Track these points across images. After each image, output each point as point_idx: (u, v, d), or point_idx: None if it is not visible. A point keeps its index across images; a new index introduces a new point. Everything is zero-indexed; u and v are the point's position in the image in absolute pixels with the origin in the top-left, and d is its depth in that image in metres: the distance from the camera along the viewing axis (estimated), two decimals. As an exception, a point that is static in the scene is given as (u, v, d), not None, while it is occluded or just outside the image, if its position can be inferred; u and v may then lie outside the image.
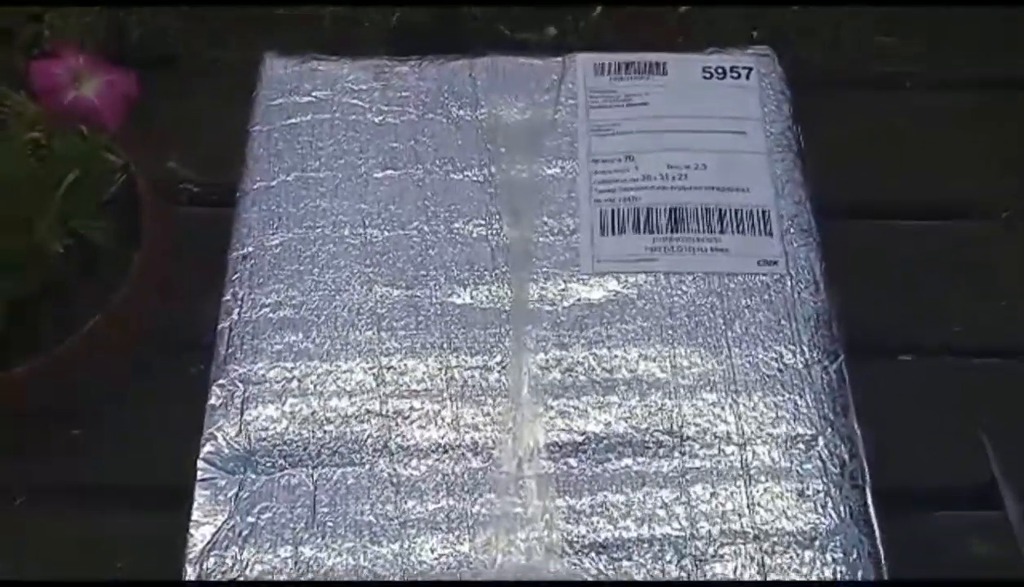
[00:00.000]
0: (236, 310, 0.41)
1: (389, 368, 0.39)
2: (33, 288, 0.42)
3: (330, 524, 0.36)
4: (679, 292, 0.41)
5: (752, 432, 0.38)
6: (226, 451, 0.38)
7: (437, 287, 0.41)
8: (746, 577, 0.35)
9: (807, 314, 0.40)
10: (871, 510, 0.37)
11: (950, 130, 0.52)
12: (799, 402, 0.38)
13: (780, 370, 0.39)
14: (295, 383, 0.39)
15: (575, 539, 0.36)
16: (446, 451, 0.38)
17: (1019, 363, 0.46)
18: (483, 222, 0.43)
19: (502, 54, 0.47)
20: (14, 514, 0.43)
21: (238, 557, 0.36)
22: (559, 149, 0.44)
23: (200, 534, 0.36)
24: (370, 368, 0.39)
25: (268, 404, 0.39)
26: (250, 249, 0.42)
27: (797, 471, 0.37)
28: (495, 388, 0.39)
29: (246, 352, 0.40)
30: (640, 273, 0.41)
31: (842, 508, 0.36)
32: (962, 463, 0.43)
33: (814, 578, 0.35)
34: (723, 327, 0.40)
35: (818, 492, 0.37)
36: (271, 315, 0.41)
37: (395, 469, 0.37)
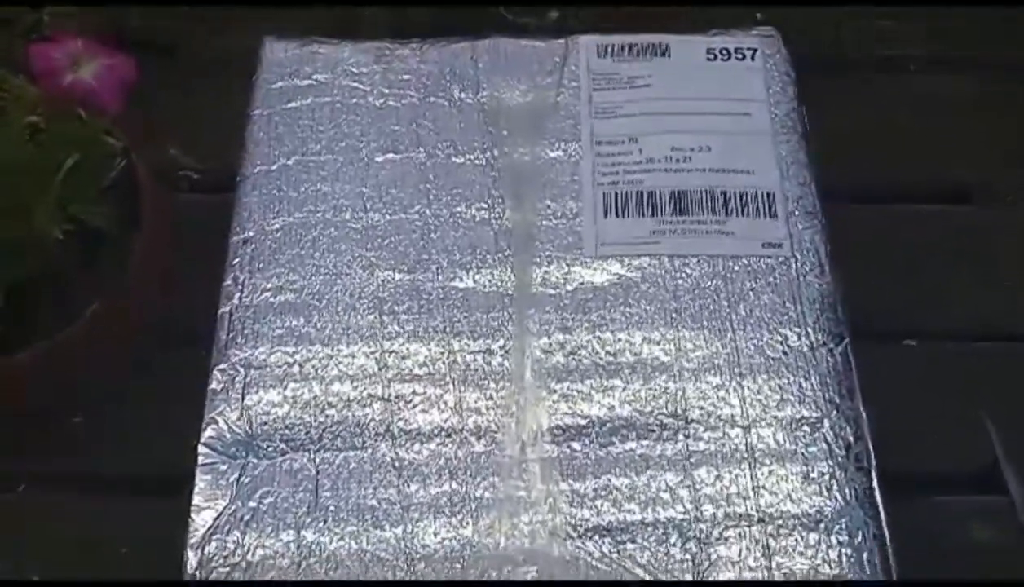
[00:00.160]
0: (237, 295, 0.41)
1: (391, 352, 0.39)
2: (32, 274, 0.42)
3: (332, 508, 0.36)
4: (683, 275, 0.41)
5: (757, 415, 0.38)
6: (227, 436, 0.38)
7: (439, 271, 0.41)
8: (750, 560, 0.35)
9: (812, 296, 0.40)
10: (876, 492, 0.36)
11: (953, 115, 0.52)
12: (804, 385, 0.38)
13: (785, 353, 0.39)
14: (296, 367, 0.39)
15: (579, 522, 0.36)
16: (449, 435, 0.38)
17: (1021, 347, 0.46)
18: (485, 205, 0.42)
19: (504, 36, 0.47)
20: (16, 502, 0.43)
21: (240, 542, 0.36)
22: (562, 132, 0.44)
23: (201, 519, 0.36)
24: (372, 352, 0.39)
25: (269, 389, 0.39)
26: (251, 233, 0.42)
27: (802, 454, 0.37)
28: (498, 372, 0.39)
29: (247, 337, 0.40)
30: (644, 256, 0.41)
31: (847, 490, 0.36)
32: (964, 448, 0.43)
33: (819, 561, 0.35)
34: (727, 310, 0.40)
35: (823, 474, 0.37)
36: (272, 299, 0.40)
37: (397, 453, 0.37)
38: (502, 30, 0.47)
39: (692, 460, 0.37)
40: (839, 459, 0.37)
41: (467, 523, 0.36)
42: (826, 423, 0.38)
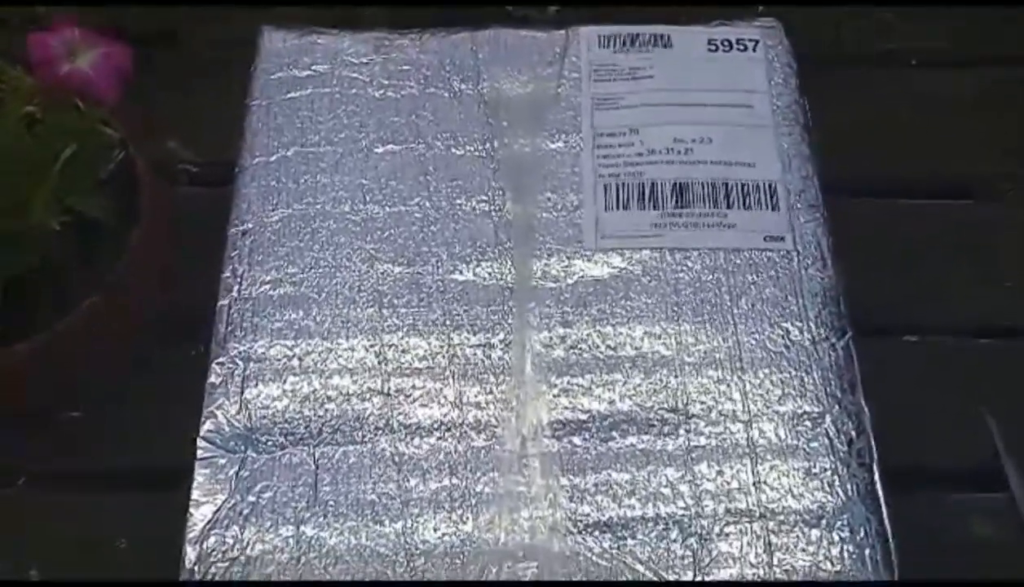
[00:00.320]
0: (236, 287, 0.40)
1: (391, 346, 0.39)
2: (29, 267, 0.41)
3: (332, 503, 0.36)
4: (684, 268, 0.40)
5: (758, 410, 0.37)
6: (226, 429, 0.37)
7: (439, 264, 0.41)
8: (752, 556, 0.35)
9: (814, 290, 0.40)
10: (878, 488, 0.36)
11: (954, 110, 0.52)
12: (806, 379, 0.38)
13: (787, 347, 0.39)
14: (296, 361, 0.39)
15: (579, 518, 0.36)
16: (449, 429, 0.37)
17: (1022, 343, 0.45)
18: (485, 198, 0.42)
19: (504, 27, 0.46)
20: (14, 496, 0.43)
21: (239, 536, 0.35)
22: (562, 123, 0.44)
23: (200, 513, 0.36)
24: (371, 346, 0.39)
25: (269, 382, 0.38)
26: (249, 225, 0.42)
27: (804, 449, 0.37)
28: (498, 366, 0.38)
29: (246, 330, 0.39)
30: (645, 249, 0.41)
31: (849, 486, 0.36)
32: (965, 444, 0.43)
33: (821, 557, 0.35)
34: (729, 304, 0.40)
35: (825, 470, 0.36)
36: (271, 292, 0.40)
37: (397, 447, 0.37)
38: (502, 22, 0.47)
39: (693, 455, 0.37)
40: (841, 454, 0.37)
41: (467, 518, 0.36)
42: (828, 418, 0.37)
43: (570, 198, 0.42)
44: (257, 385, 0.38)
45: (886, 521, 0.36)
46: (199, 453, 0.37)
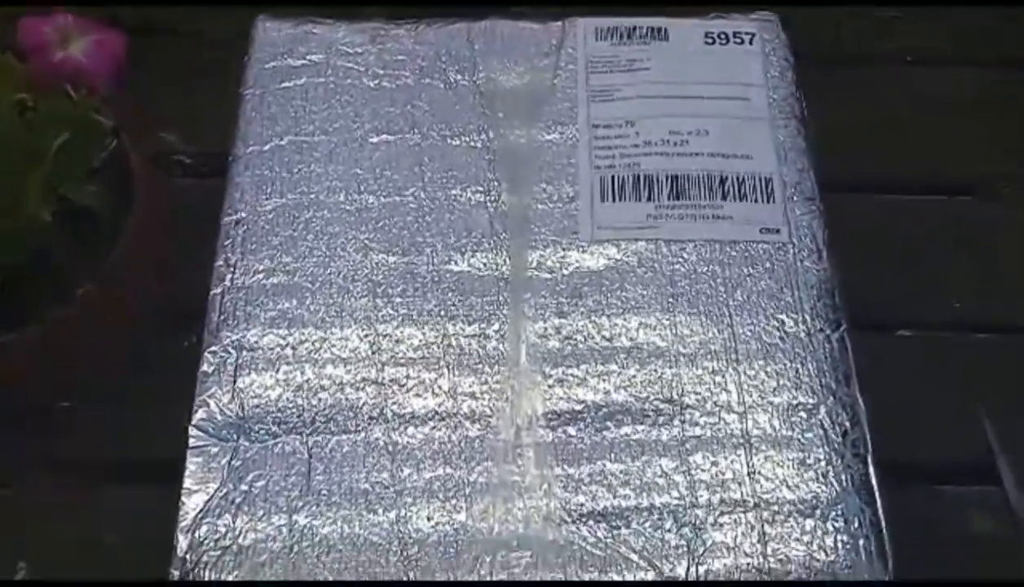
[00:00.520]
0: (229, 276, 0.40)
1: (385, 336, 0.39)
2: (23, 257, 0.41)
3: (325, 492, 0.36)
4: (680, 260, 0.40)
5: (753, 401, 0.37)
6: (219, 418, 0.37)
7: (434, 254, 0.41)
8: (746, 546, 0.35)
9: (810, 282, 0.40)
10: (873, 479, 0.36)
11: (953, 108, 0.52)
12: (801, 371, 0.38)
13: (782, 338, 0.39)
14: (289, 350, 0.39)
15: (573, 508, 0.36)
16: (443, 419, 0.37)
17: (1019, 339, 0.46)
18: (481, 188, 0.42)
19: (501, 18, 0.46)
20: (6, 487, 0.42)
21: (231, 525, 0.35)
22: (558, 115, 0.44)
23: (192, 502, 0.36)
24: (365, 335, 0.39)
25: (262, 371, 0.38)
26: (243, 214, 0.42)
27: (798, 440, 0.37)
28: (493, 356, 0.38)
29: (239, 318, 0.39)
30: (640, 241, 0.41)
31: (844, 477, 0.36)
32: (961, 439, 0.43)
33: (815, 547, 0.35)
34: (724, 295, 0.40)
35: (819, 461, 0.36)
36: (264, 281, 0.40)
37: (391, 437, 0.37)
38: (499, 13, 0.47)
39: (687, 446, 0.37)
40: (835, 445, 0.37)
41: (461, 508, 0.36)
42: (822, 409, 0.37)
43: (566, 189, 0.42)
44: (250, 374, 0.38)
45: (880, 512, 0.36)
46: (191, 442, 0.37)
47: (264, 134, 0.43)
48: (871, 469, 0.36)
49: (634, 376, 0.38)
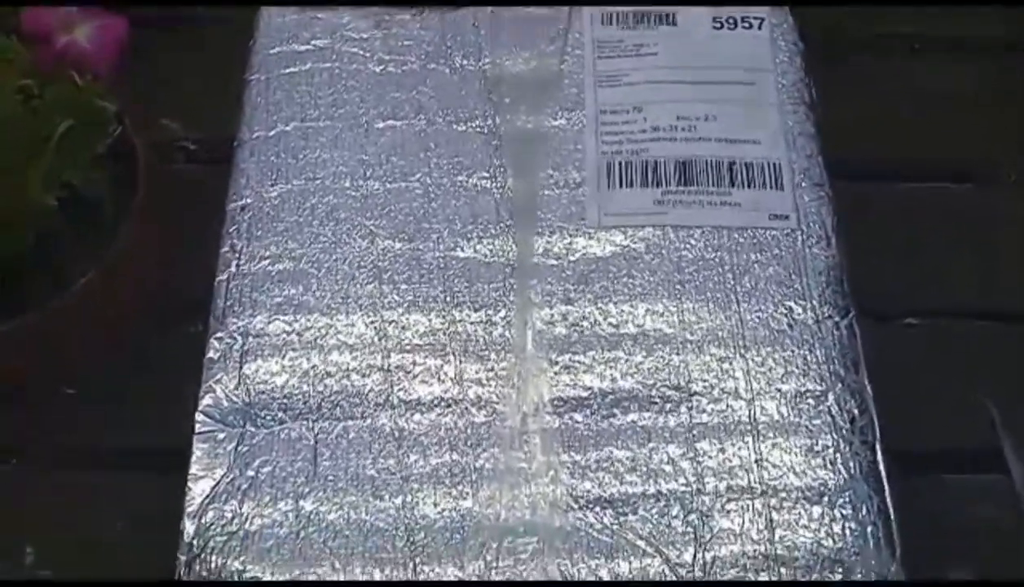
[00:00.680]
0: (234, 262, 0.40)
1: (391, 322, 0.39)
2: (26, 244, 0.41)
3: (331, 478, 0.36)
4: (687, 246, 0.40)
5: (761, 388, 0.37)
6: (225, 404, 0.37)
7: (440, 240, 0.40)
8: (753, 533, 0.35)
9: (818, 269, 0.40)
10: (881, 466, 0.36)
11: (957, 96, 0.51)
12: (809, 357, 0.38)
13: (790, 325, 0.38)
14: (295, 337, 0.38)
15: (580, 494, 0.35)
16: (449, 406, 0.37)
17: (1023, 327, 0.45)
18: (487, 174, 0.42)
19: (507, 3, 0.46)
20: (8, 475, 0.42)
21: (237, 511, 0.35)
22: (565, 100, 0.43)
23: (199, 488, 0.36)
24: (371, 322, 0.39)
25: (268, 358, 0.38)
26: (248, 200, 0.41)
27: (806, 426, 0.37)
28: (499, 343, 0.38)
29: (244, 305, 0.39)
30: (648, 227, 0.41)
31: (851, 464, 0.36)
32: (967, 427, 0.43)
33: (822, 534, 0.35)
34: (732, 282, 0.39)
35: (827, 448, 0.36)
36: (270, 268, 0.40)
37: (397, 423, 0.37)
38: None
39: (695, 432, 0.37)
40: (843, 432, 0.37)
41: (467, 494, 0.35)
42: (830, 396, 0.37)
43: (572, 175, 0.42)
44: (256, 360, 0.38)
45: (888, 499, 0.36)
46: (198, 428, 0.37)
47: (269, 120, 0.43)
48: (879, 456, 0.36)
49: (641, 363, 0.38)
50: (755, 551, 0.34)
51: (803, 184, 0.42)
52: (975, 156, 0.50)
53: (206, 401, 0.37)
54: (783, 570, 0.34)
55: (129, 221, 0.42)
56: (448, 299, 0.39)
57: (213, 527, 0.35)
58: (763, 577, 0.34)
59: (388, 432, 0.37)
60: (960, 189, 0.49)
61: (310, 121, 0.43)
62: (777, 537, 0.35)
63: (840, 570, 0.34)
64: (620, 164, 0.42)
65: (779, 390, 0.37)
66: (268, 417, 0.37)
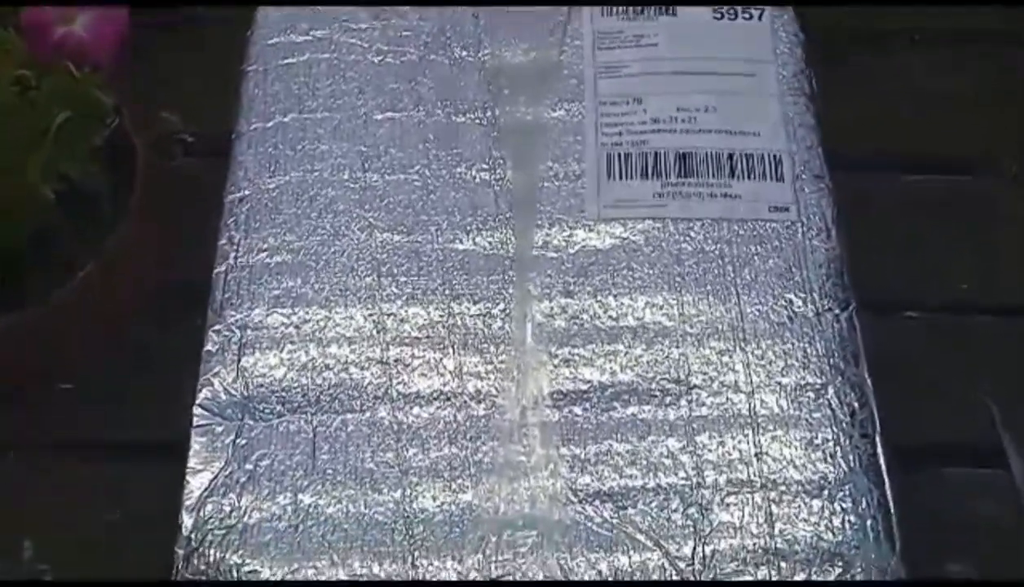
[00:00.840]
0: (232, 255, 0.40)
1: (390, 315, 0.39)
2: (24, 237, 0.41)
3: (330, 471, 0.36)
4: (687, 239, 0.40)
5: (761, 381, 0.37)
6: (223, 397, 0.37)
7: (439, 233, 0.40)
8: (752, 526, 0.35)
9: (818, 261, 0.39)
10: (881, 460, 0.36)
11: (956, 88, 0.51)
12: (809, 350, 0.38)
13: (790, 318, 0.38)
14: (293, 329, 0.38)
15: (580, 488, 0.35)
16: (448, 399, 0.37)
17: (1022, 321, 0.45)
18: (486, 166, 0.42)
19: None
20: (7, 469, 0.42)
21: (236, 504, 0.35)
22: (565, 91, 0.43)
23: (197, 481, 0.36)
24: (370, 315, 0.39)
25: (266, 350, 0.38)
26: (246, 192, 0.41)
27: (806, 420, 0.36)
28: (498, 336, 0.38)
29: (243, 297, 0.39)
30: (647, 219, 0.40)
31: (851, 457, 0.36)
32: (967, 421, 0.43)
33: (822, 527, 0.35)
34: (732, 274, 0.39)
35: (827, 441, 0.36)
36: (268, 260, 0.40)
37: (396, 416, 0.37)
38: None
39: (694, 426, 0.36)
40: (843, 425, 0.36)
41: (466, 488, 0.35)
42: (830, 389, 0.37)
43: (572, 167, 0.42)
44: (254, 353, 0.38)
45: (888, 492, 0.35)
46: (196, 421, 0.37)
47: (267, 111, 0.43)
48: (879, 450, 0.36)
49: (641, 356, 0.38)
50: (755, 545, 0.34)
51: (803, 176, 0.41)
52: (976, 150, 0.50)
53: (204, 394, 0.37)
54: (783, 564, 0.34)
55: (128, 214, 0.42)
56: (447, 292, 0.39)
57: (211, 520, 0.35)
58: (763, 571, 0.34)
59: (387, 425, 0.37)
60: (961, 182, 0.49)
61: (308, 112, 0.43)
62: (777, 530, 0.35)
63: (840, 563, 0.34)
64: (620, 156, 0.42)
65: (779, 383, 0.37)
66: (266, 410, 0.37)
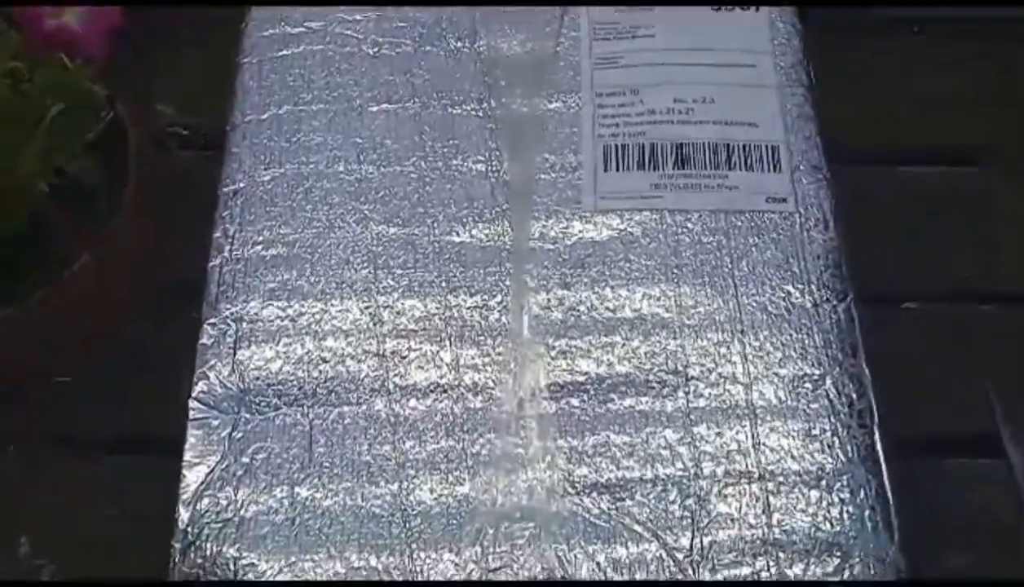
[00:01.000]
0: (227, 248, 0.40)
1: (386, 307, 0.38)
2: (18, 230, 0.41)
3: (327, 464, 0.36)
4: (684, 230, 0.40)
5: (758, 372, 0.37)
6: (219, 391, 0.37)
7: (435, 225, 0.40)
8: (750, 517, 0.35)
9: (816, 252, 0.39)
10: (879, 450, 0.36)
11: (956, 78, 0.51)
12: (807, 342, 0.38)
13: (788, 309, 0.38)
14: (289, 322, 0.38)
15: (577, 479, 0.35)
16: (445, 391, 0.37)
17: (1023, 311, 0.45)
18: (482, 158, 0.41)
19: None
20: (6, 464, 0.42)
21: (232, 498, 0.35)
22: (561, 82, 0.43)
23: (193, 475, 0.36)
24: (366, 307, 0.38)
25: (262, 343, 0.38)
26: (241, 185, 0.41)
27: (804, 411, 0.36)
28: (495, 328, 0.38)
29: (238, 290, 0.39)
30: (644, 211, 0.40)
31: (849, 448, 0.36)
32: (965, 411, 0.43)
33: (820, 518, 0.35)
34: (730, 266, 0.39)
35: (825, 432, 0.36)
36: (264, 253, 0.40)
37: (393, 409, 0.37)
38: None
39: (692, 417, 0.36)
40: (841, 416, 0.36)
41: (464, 480, 0.35)
42: (828, 380, 0.37)
43: (569, 159, 0.41)
44: (250, 346, 0.38)
45: (886, 483, 0.35)
46: (191, 414, 0.37)
47: (262, 103, 0.43)
48: (877, 440, 0.36)
49: (638, 347, 0.38)
50: (753, 535, 0.34)
51: (801, 167, 0.41)
52: (975, 140, 0.50)
53: (200, 388, 0.37)
54: (781, 554, 0.34)
55: (123, 207, 0.42)
56: (443, 284, 0.39)
57: (208, 514, 0.35)
58: (760, 562, 0.34)
59: (384, 418, 0.36)
60: (961, 171, 0.49)
61: (303, 104, 0.43)
62: (775, 521, 0.35)
63: (838, 554, 0.34)
64: (617, 147, 0.42)
65: (777, 374, 0.37)
66: (263, 403, 0.37)
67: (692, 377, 0.37)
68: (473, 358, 0.37)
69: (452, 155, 0.42)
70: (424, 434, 0.36)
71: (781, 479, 0.35)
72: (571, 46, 0.44)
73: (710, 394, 0.37)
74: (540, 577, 0.34)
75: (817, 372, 0.37)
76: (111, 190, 0.42)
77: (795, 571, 0.34)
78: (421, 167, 0.41)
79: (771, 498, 0.35)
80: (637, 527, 0.35)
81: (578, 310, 0.38)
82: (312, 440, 0.36)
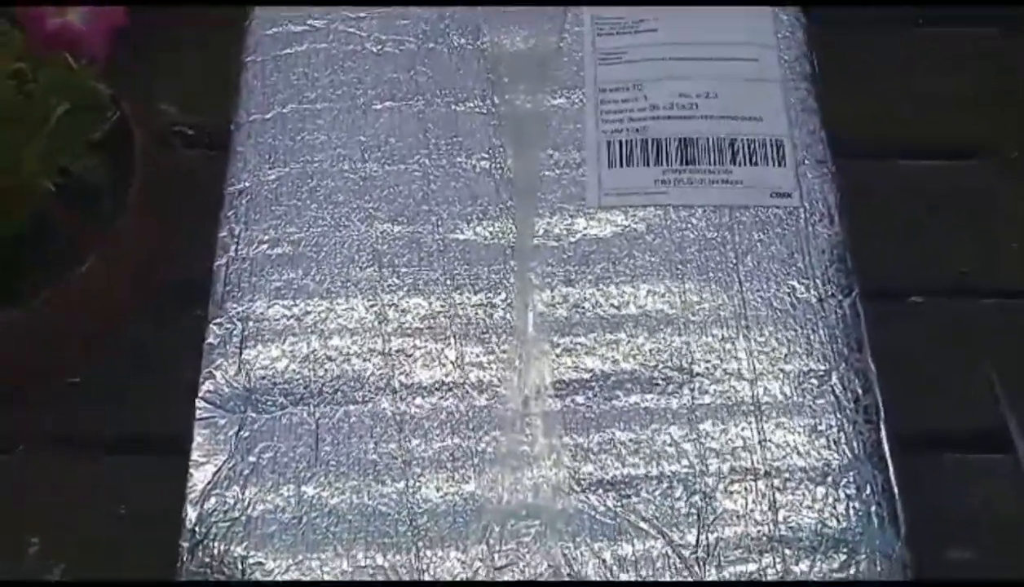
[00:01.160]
0: (233, 247, 0.40)
1: (391, 306, 0.38)
2: (23, 230, 0.41)
3: (333, 463, 0.36)
4: (689, 226, 0.40)
5: (764, 368, 0.37)
6: (225, 390, 0.37)
7: (439, 223, 0.40)
8: (756, 514, 0.35)
9: (821, 247, 0.39)
10: (885, 446, 0.36)
11: (958, 70, 0.51)
12: (812, 337, 0.38)
13: (793, 305, 0.38)
14: (295, 321, 0.38)
15: (583, 477, 0.35)
16: (450, 389, 0.37)
17: (1028, 305, 0.45)
18: (486, 155, 0.41)
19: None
20: (14, 463, 0.42)
21: (240, 496, 0.35)
22: (565, 78, 0.43)
23: (200, 474, 0.36)
24: (371, 306, 0.38)
25: (268, 343, 0.38)
26: (246, 184, 0.41)
27: (810, 407, 0.36)
28: (500, 326, 0.38)
29: (244, 290, 0.39)
30: (649, 207, 0.40)
31: (855, 444, 0.36)
32: (971, 406, 0.43)
33: (826, 514, 0.35)
34: (734, 261, 0.39)
35: (831, 428, 0.36)
36: (269, 252, 0.40)
37: (398, 407, 0.37)
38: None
39: (697, 413, 0.36)
40: (847, 412, 0.36)
41: (469, 478, 0.35)
42: (834, 376, 0.37)
43: (573, 155, 0.41)
44: (256, 345, 0.38)
45: (893, 479, 0.35)
46: (198, 414, 0.37)
47: (266, 102, 0.43)
48: (883, 436, 0.36)
49: (643, 344, 0.38)
50: (759, 532, 0.34)
51: (806, 161, 0.41)
52: (978, 134, 0.49)
53: (206, 387, 0.37)
54: (787, 551, 0.34)
55: (128, 207, 0.42)
56: (448, 282, 0.39)
57: (215, 513, 0.35)
58: (767, 558, 0.34)
59: (389, 416, 0.36)
60: (965, 165, 0.49)
61: (307, 103, 0.43)
62: (781, 518, 0.35)
63: (844, 550, 0.34)
64: (620, 143, 0.42)
65: (782, 370, 0.37)
66: (269, 402, 0.37)
67: (697, 373, 0.37)
68: (478, 356, 0.38)
69: (456, 152, 0.41)
70: (430, 432, 0.36)
71: (787, 475, 0.35)
72: (574, 41, 0.44)
73: (715, 390, 0.37)
74: (546, 575, 0.34)
75: (823, 368, 0.37)
76: (116, 190, 0.42)
77: (801, 567, 0.34)
78: (425, 165, 0.41)
79: (777, 494, 0.35)
80: (643, 524, 0.35)
81: (583, 307, 0.38)
82: (318, 439, 0.36)
